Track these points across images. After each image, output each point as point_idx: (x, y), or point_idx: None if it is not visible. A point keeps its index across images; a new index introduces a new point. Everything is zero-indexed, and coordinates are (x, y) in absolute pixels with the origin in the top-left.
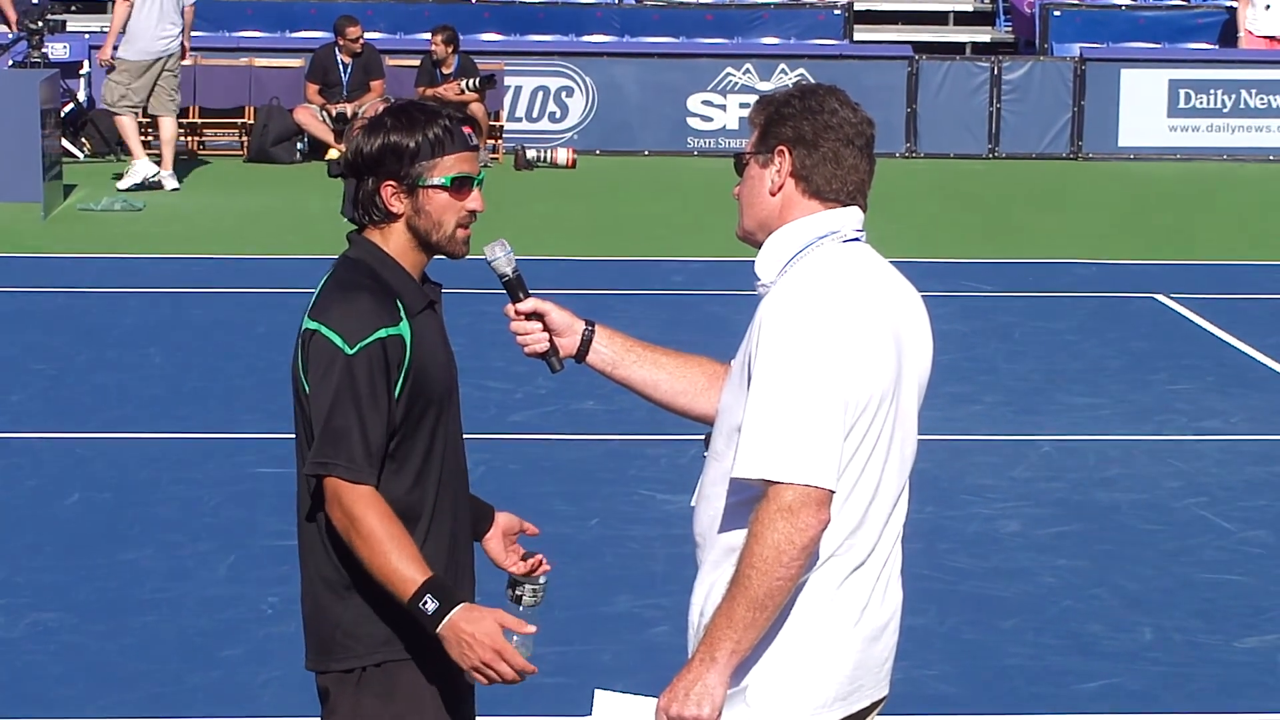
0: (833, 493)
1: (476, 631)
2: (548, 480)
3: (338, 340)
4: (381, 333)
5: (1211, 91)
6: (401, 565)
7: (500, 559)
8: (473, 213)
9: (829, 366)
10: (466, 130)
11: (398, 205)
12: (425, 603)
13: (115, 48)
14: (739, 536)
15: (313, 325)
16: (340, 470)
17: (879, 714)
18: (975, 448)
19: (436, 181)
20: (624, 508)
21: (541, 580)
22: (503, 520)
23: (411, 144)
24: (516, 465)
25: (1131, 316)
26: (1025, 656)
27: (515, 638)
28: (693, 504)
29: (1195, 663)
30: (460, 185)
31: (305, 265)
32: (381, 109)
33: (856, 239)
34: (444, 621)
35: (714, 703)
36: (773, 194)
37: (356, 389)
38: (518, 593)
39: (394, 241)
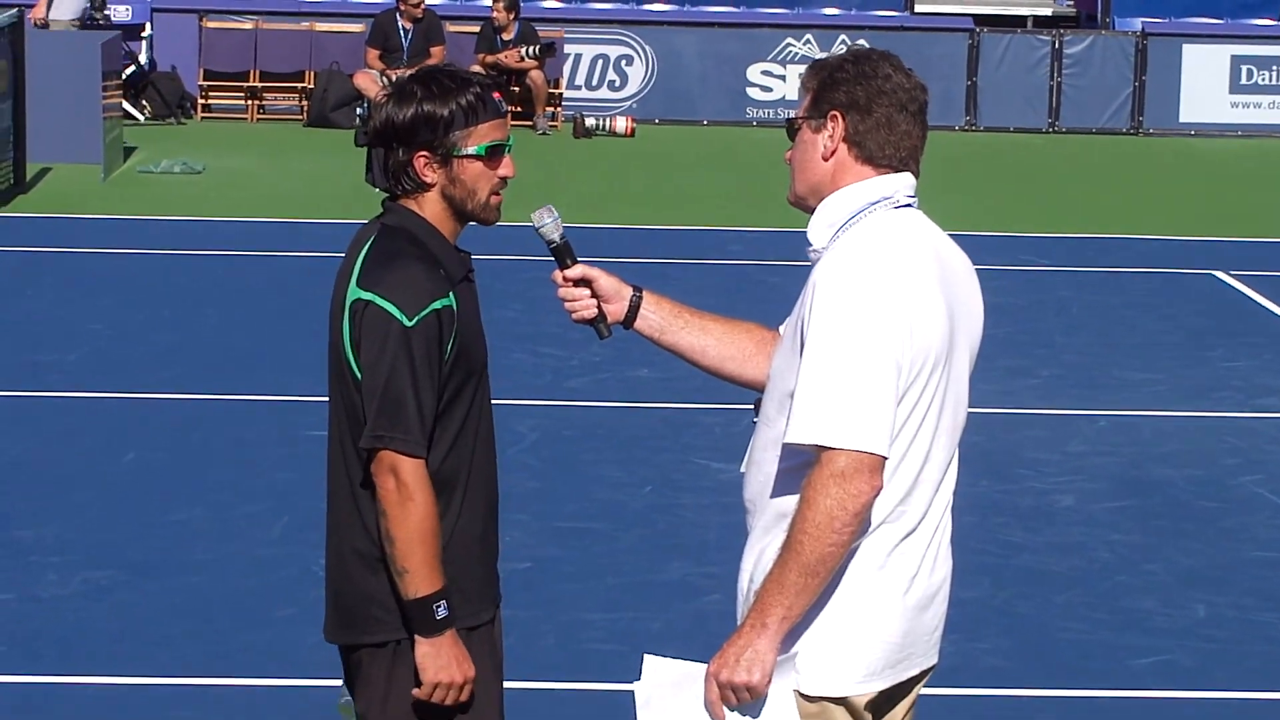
0: (885, 459)
1: (461, 656)
2: (602, 447)
3: (395, 311)
4: (437, 304)
5: (1273, 68)
6: (431, 562)
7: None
8: (505, 179)
9: (882, 331)
10: (497, 95)
11: (431, 175)
12: (439, 607)
13: None
14: (790, 502)
15: (365, 295)
16: (398, 443)
17: (926, 683)
18: (1031, 421)
19: (471, 151)
20: (677, 475)
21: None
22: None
23: (445, 113)
24: (571, 431)
25: (1189, 292)
26: (1078, 631)
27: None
28: (743, 470)
29: (1249, 640)
30: (494, 153)
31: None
32: (407, 76)
33: (909, 205)
34: (443, 633)
35: (764, 668)
36: (825, 159)
37: (413, 361)
38: None
39: (429, 210)
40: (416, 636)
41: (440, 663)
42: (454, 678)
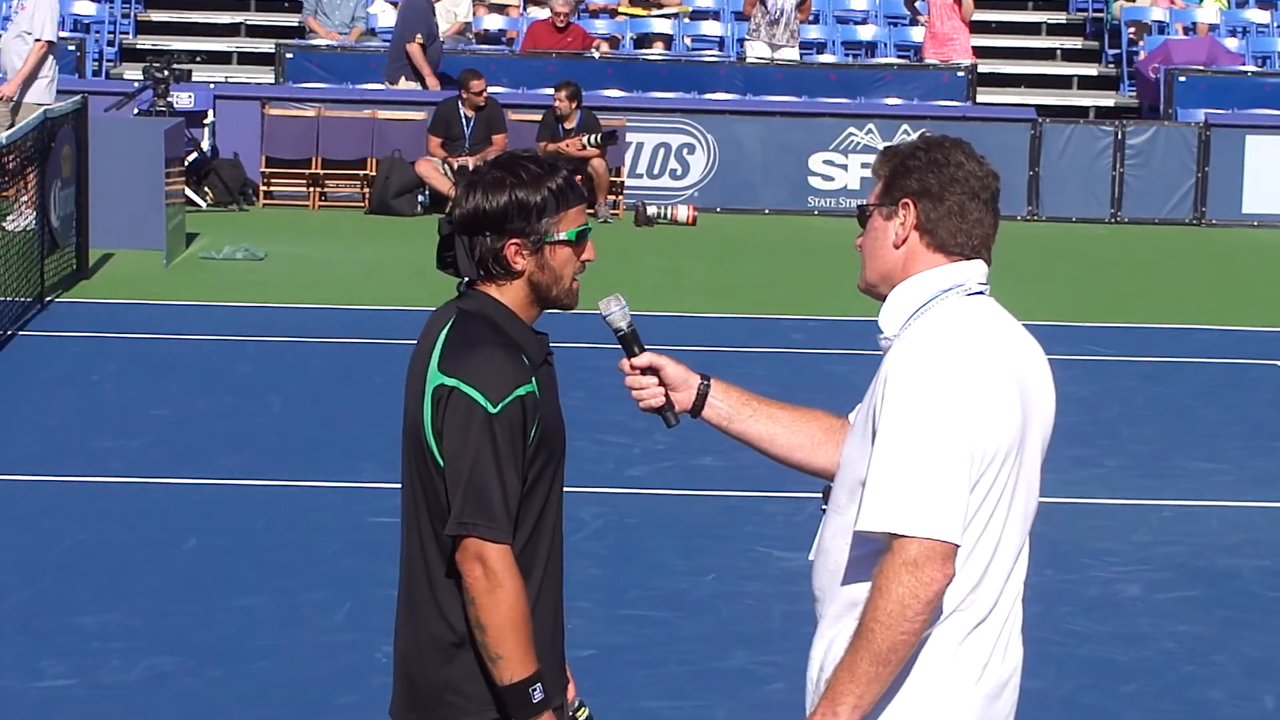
0: (958, 546)
1: None
2: (664, 535)
3: (480, 399)
4: (520, 390)
5: None
6: (522, 647)
7: None
8: (586, 263)
9: (955, 419)
10: (578, 179)
11: (521, 262)
12: (535, 690)
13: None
14: (860, 590)
15: (450, 382)
16: (483, 530)
17: None
18: (1096, 511)
19: (563, 237)
20: (740, 563)
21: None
22: None
23: (538, 199)
24: (633, 519)
25: (1254, 383)
26: None
27: None
28: (811, 558)
29: None
30: (581, 238)
31: (425, 317)
32: (487, 163)
33: (981, 292)
34: (540, 716)
35: None
36: (897, 246)
37: (498, 448)
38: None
39: (510, 296)
40: None
41: None
42: None
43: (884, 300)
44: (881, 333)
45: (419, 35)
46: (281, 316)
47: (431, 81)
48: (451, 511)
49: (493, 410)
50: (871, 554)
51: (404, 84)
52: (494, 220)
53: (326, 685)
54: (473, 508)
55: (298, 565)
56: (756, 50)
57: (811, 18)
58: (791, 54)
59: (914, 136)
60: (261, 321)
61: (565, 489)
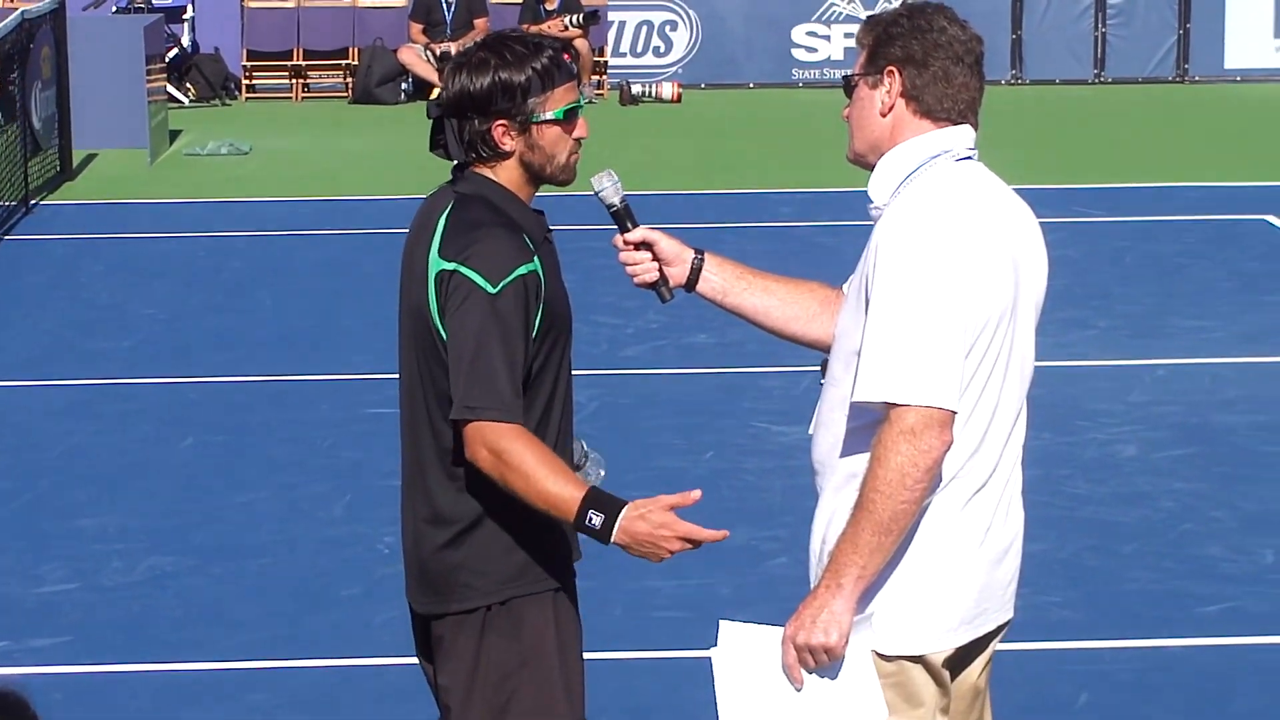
0: (955, 413)
1: (654, 528)
2: (661, 414)
3: (480, 280)
4: (522, 269)
5: None
6: (559, 487)
7: None
8: (580, 140)
9: (948, 286)
10: (566, 58)
11: (509, 142)
12: (590, 519)
13: None
14: (860, 462)
15: (450, 265)
16: (490, 413)
17: (1002, 638)
18: (1090, 373)
19: (550, 116)
20: (738, 440)
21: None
22: None
23: (522, 79)
24: (629, 400)
25: (1242, 238)
26: (1146, 581)
27: None
28: (810, 431)
29: None
30: (570, 116)
31: (412, 205)
32: (473, 45)
33: (969, 157)
34: (615, 530)
35: (841, 629)
36: (883, 115)
37: (503, 328)
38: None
39: (505, 176)
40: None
41: (643, 550)
42: (668, 548)
43: (873, 169)
44: (871, 202)
45: None
46: (268, 210)
47: None
48: (457, 396)
49: (492, 290)
50: (869, 424)
51: None
52: (479, 102)
53: (329, 578)
54: (479, 391)
55: (295, 459)
56: None
57: None
58: None
59: (896, 4)
60: (248, 216)
61: None
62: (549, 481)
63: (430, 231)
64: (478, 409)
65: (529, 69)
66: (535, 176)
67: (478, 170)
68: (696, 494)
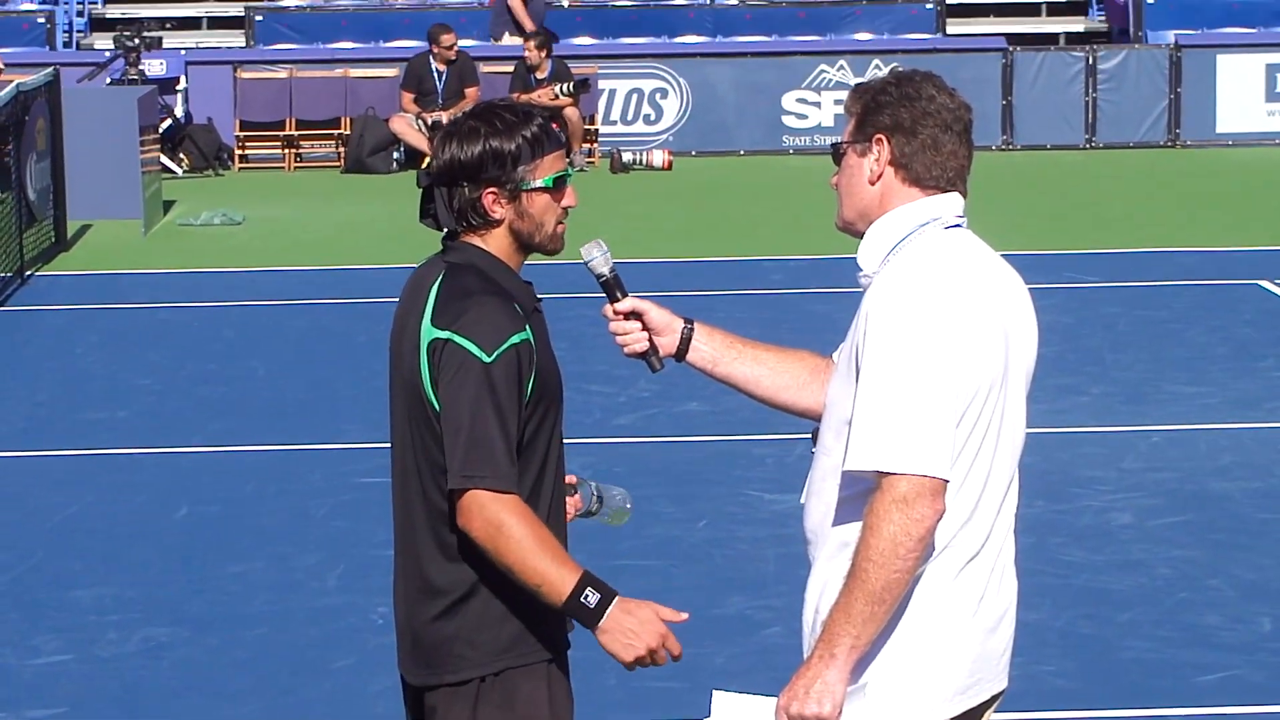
0: (947, 482)
1: (639, 623)
2: (654, 483)
3: (474, 349)
4: (515, 338)
5: None
6: (555, 565)
7: None
8: (567, 209)
9: (939, 354)
10: (555, 127)
11: (499, 211)
12: (586, 597)
13: None
14: (852, 531)
15: (443, 334)
16: (489, 482)
17: (997, 708)
18: (1084, 440)
19: (539, 184)
20: (732, 508)
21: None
22: None
23: (512, 147)
24: (622, 468)
25: (1236, 303)
26: (1142, 650)
27: None
28: (802, 500)
29: None
30: (559, 184)
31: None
32: (463, 114)
33: (958, 225)
34: (606, 615)
35: (835, 700)
36: (872, 183)
37: (497, 397)
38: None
39: (495, 245)
40: (595, 632)
41: (623, 640)
42: (646, 644)
43: (862, 237)
44: (861, 270)
45: None
46: (262, 280)
47: (525, 23)
48: (453, 465)
49: (487, 359)
50: (861, 493)
51: (508, 39)
52: (470, 170)
53: (323, 648)
54: (475, 460)
55: (289, 529)
56: None
57: None
58: None
59: (885, 71)
60: (242, 286)
61: None
62: (544, 559)
63: (422, 301)
64: (475, 478)
65: (519, 137)
66: (524, 245)
67: (468, 239)
68: (685, 616)
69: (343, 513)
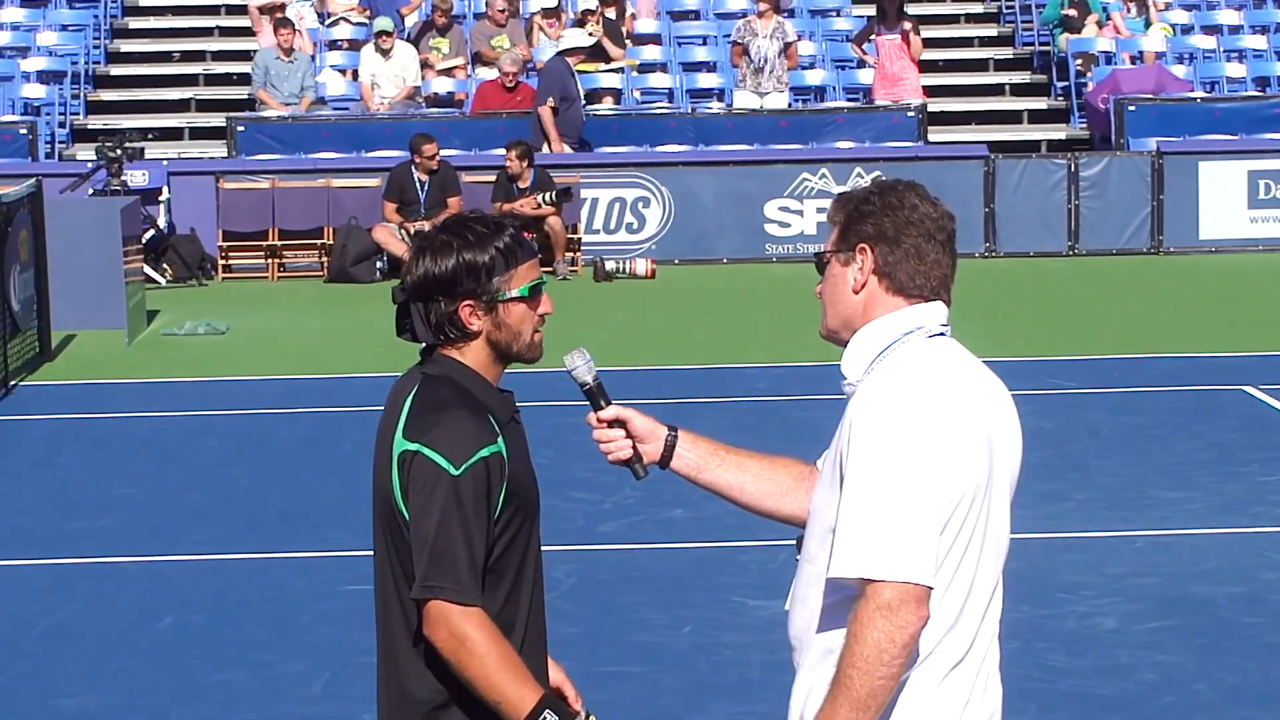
0: (931, 589)
1: None
2: (639, 589)
3: (442, 462)
4: (484, 451)
5: None
6: (516, 683)
7: None
8: (544, 316)
9: (923, 462)
10: (528, 235)
11: (477, 322)
12: (546, 716)
13: None
14: (836, 637)
15: (413, 446)
16: (449, 594)
17: None
18: (1068, 545)
19: (515, 294)
20: (716, 615)
21: None
22: (554, 674)
23: (486, 259)
24: (606, 575)
25: (1220, 409)
26: None
27: None
28: (786, 607)
29: None
30: (535, 293)
31: (389, 382)
32: (434, 228)
33: (942, 334)
34: None
35: None
36: (856, 292)
37: (463, 510)
38: None
39: (472, 356)
40: None
41: None
42: None
43: (846, 346)
44: (845, 378)
45: (551, 99)
46: (245, 390)
47: (556, 145)
48: (417, 575)
49: (455, 473)
50: (845, 600)
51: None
52: (445, 284)
53: None
54: (438, 571)
55: (274, 637)
56: (743, 100)
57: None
58: (780, 101)
59: (868, 179)
60: (226, 396)
61: None
62: (506, 676)
63: (397, 413)
64: (435, 588)
65: (492, 248)
66: (502, 355)
67: (445, 352)
68: None
69: (328, 621)
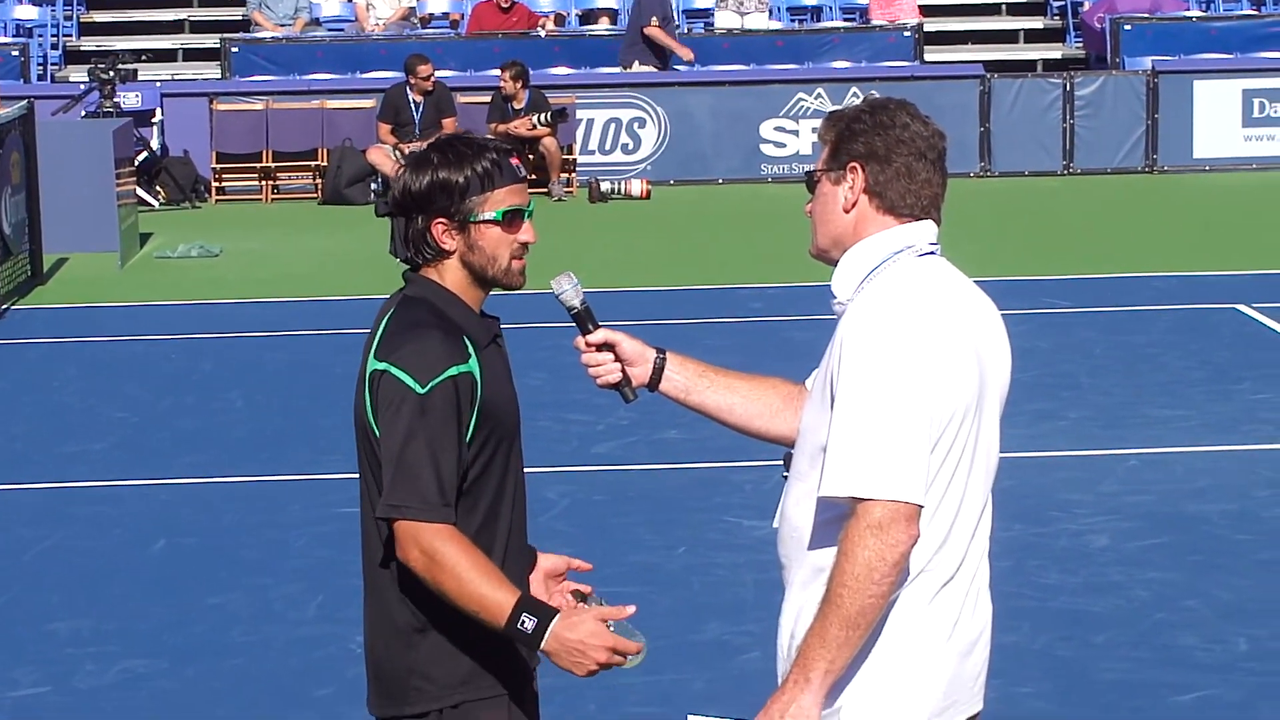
0: (921, 507)
1: (583, 636)
2: (633, 510)
3: (409, 380)
4: (453, 370)
5: None
6: (490, 590)
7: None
8: (525, 245)
9: (913, 381)
10: (514, 161)
11: (450, 242)
12: (523, 622)
13: None
14: (826, 556)
15: (381, 365)
16: (413, 512)
17: None
18: (1061, 463)
19: (487, 216)
20: (711, 535)
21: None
22: (545, 563)
23: (460, 179)
24: (601, 496)
25: (1213, 328)
26: (1120, 671)
27: (613, 625)
28: (775, 525)
29: None
30: (511, 218)
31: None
32: (425, 146)
33: (932, 253)
34: (546, 636)
35: None
36: (846, 211)
37: (429, 429)
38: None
39: (451, 278)
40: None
41: (571, 659)
42: (595, 660)
43: (836, 265)
44: (835, 298)
45: (654, 18)
46: (239, 312)
47: (684, 52)
48: (383, 495)
49: (420, 391)
50: (835, 519)
51: (637, 67)
52: (420, 200)
53: (302, 679)
54: (403, 490)
55: (268, 560)
56: (725, 20)
57: None
58: (760, 21)
59: (863, 98)
60: (219, 318)
61: (531, 469)
62: (481, 584)
63: (374, 334)
64: (400, 507)
65: (469, 169)
66: (479, 278)
67: (425, 273)
68: (631, 609)
69: (322, 543)
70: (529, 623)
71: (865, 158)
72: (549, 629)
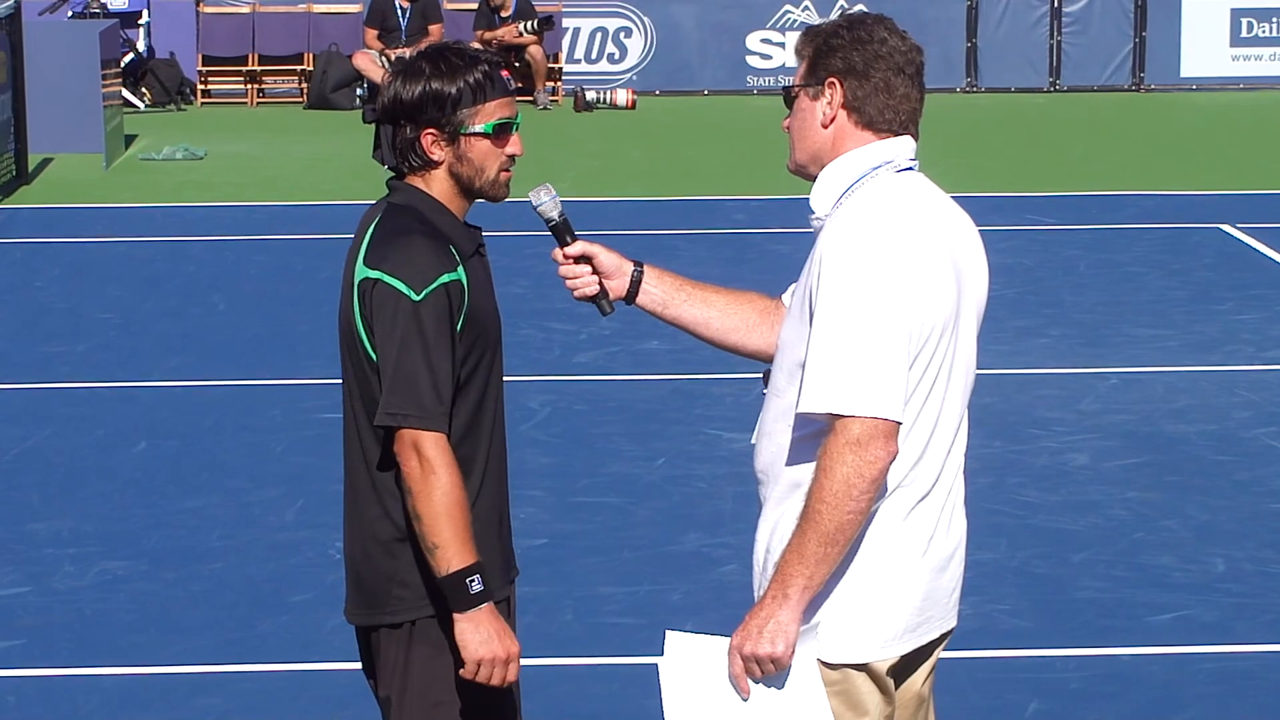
0: (900, 424)
1: (498, 631)
2: (614, 421)
3: (403, 288)
4: (445, 278)
5: (1274, 20)
6: (458, 539)
7: None
8: (513, 157)
9: (891, 297)
10: (505, 74)
11: (438, 153)
12: (473, 581)
13: None
14: (803, 472)
15: (373, 274)
16: (413, 420)
17: (946, 646)
18: (1042, 381)
19: (478, 129)
20: (690, 447)
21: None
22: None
23: (453, 90)
24: (582, 406)
25: (1196, 247)
26: (1097, 589)
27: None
28: (753, 441)
29: (1267, 592)
30: (501, 131)
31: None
32: (416, 53)
33: (910, 168)
34: (479, 607)
35: (788, 639)
36: (824, 126)
37: (425, 336)
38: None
39: (437, 187)
40: (454, 614)
41: (480, 637)
42: (497, 653)
43: (814, 180)
44: (813, 213)
45: None
46: (223, 215)
47: None
48: (381, 403)
49: (416, 298)
50: (813, 435)
51: None
52: (410, 110)
53: (280, 583)
54: (402, 398)
55: (248, 464)
56: None
57: None
58: None
59: (841, 14)
60: (203, 221)
61: (512, 378)
62: (453, 526)
63: (360, 240)
64: (399, 415)
65: (461, 80)
66: (465, 189)
67: (410, 181)
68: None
69: (302, 448)
70: (477, 585)
71: (843, 73)
72: (483, 605)
